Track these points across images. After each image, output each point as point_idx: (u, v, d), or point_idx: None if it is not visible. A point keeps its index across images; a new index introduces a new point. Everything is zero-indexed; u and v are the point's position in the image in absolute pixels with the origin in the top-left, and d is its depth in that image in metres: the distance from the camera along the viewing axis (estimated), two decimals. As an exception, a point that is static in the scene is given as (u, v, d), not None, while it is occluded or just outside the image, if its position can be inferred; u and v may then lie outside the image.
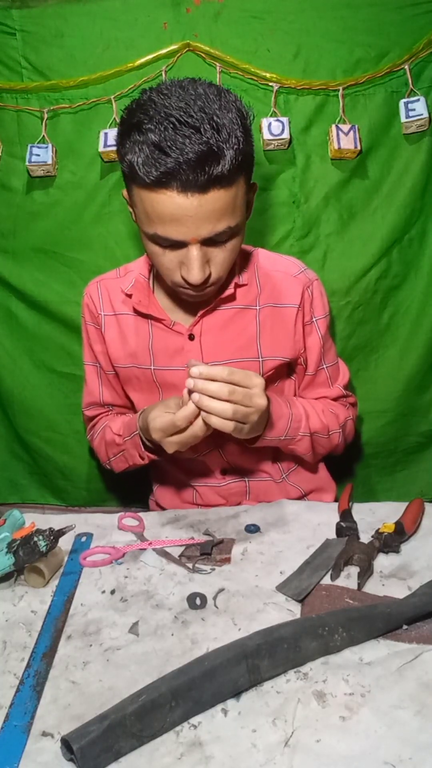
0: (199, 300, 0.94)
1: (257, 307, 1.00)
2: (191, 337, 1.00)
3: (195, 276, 0.83)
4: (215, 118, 0.75)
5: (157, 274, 1.00)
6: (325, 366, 1.07)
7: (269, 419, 0.92)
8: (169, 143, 0.74)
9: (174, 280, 0.88)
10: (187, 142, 0.74)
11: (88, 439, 1.18)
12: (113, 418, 1.12)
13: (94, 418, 1.15)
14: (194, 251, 0.82)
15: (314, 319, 1.03)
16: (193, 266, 0.83)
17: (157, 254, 0.86)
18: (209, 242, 0.83)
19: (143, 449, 0.98)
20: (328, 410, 1.04)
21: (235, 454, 1.06)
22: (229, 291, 0.97)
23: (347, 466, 1.41)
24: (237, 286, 0.98)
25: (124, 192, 0.88)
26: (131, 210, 0.88)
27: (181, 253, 0.84)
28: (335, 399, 1.09)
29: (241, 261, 1.01)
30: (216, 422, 0.79)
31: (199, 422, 0.81)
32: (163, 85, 0.81)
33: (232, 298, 0.99)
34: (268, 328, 1.01)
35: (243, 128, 0.79)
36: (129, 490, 1.49)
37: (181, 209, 0.78)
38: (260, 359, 1.01)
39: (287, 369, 1.08)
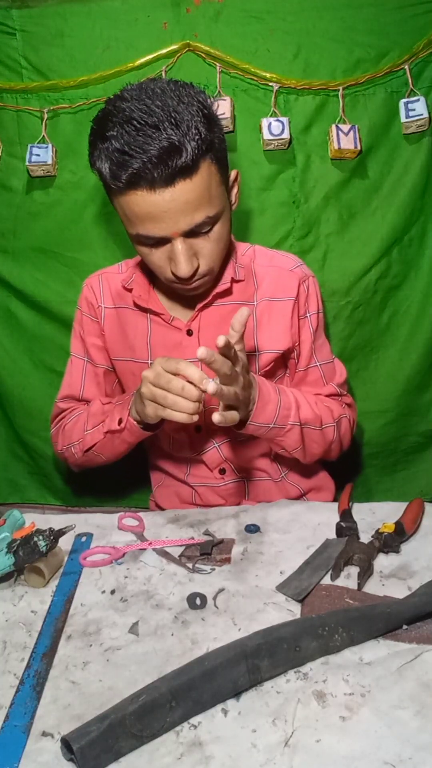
0: (195, 294, 0.94)
1: (254, 303, 1.01)
2: (189, 333, 1.00)
3: (183, 269, 0.85)
4: (173, 113, 0.76)
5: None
6: (318, 364, 1.06)
7: (257, 401, 0.89)
8: (132, 146, 0.76)
9: (167, 276, 0.89)
10: (149, 140, 0.75)
11: (51, 434, 1.12)
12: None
13: (65, 410, 1.11)
14: (178, 245, 0.83)
15: (308, 314, 1.03)
16: (179, 260, 0.84)
17: (146, 254, 0.88)
18: (192, 234, 0.84)
19: (127, 413, 0.93)
20: (321, 403, 1.02)
21: (234, 452, 1.06)
22: (225, 285, 0.97)
23: (347, 466, 1.41)
24: (233, 281, 0.99)
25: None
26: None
27: (167, 248, 0.85)
28: (328, 396, 1.07)
29: (238, 257, 1.01)
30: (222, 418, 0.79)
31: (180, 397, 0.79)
32: (124, 89, 0.82)
33: (228, 292, 0.99)
34: (266, 323, 1.01)
35: (204, 118, 0.79)
36: (129, 490, 1.49)
37: (155, 206, 0.79)
38: (257, 353, 1.01)
39: (284, 362, 1.08)
